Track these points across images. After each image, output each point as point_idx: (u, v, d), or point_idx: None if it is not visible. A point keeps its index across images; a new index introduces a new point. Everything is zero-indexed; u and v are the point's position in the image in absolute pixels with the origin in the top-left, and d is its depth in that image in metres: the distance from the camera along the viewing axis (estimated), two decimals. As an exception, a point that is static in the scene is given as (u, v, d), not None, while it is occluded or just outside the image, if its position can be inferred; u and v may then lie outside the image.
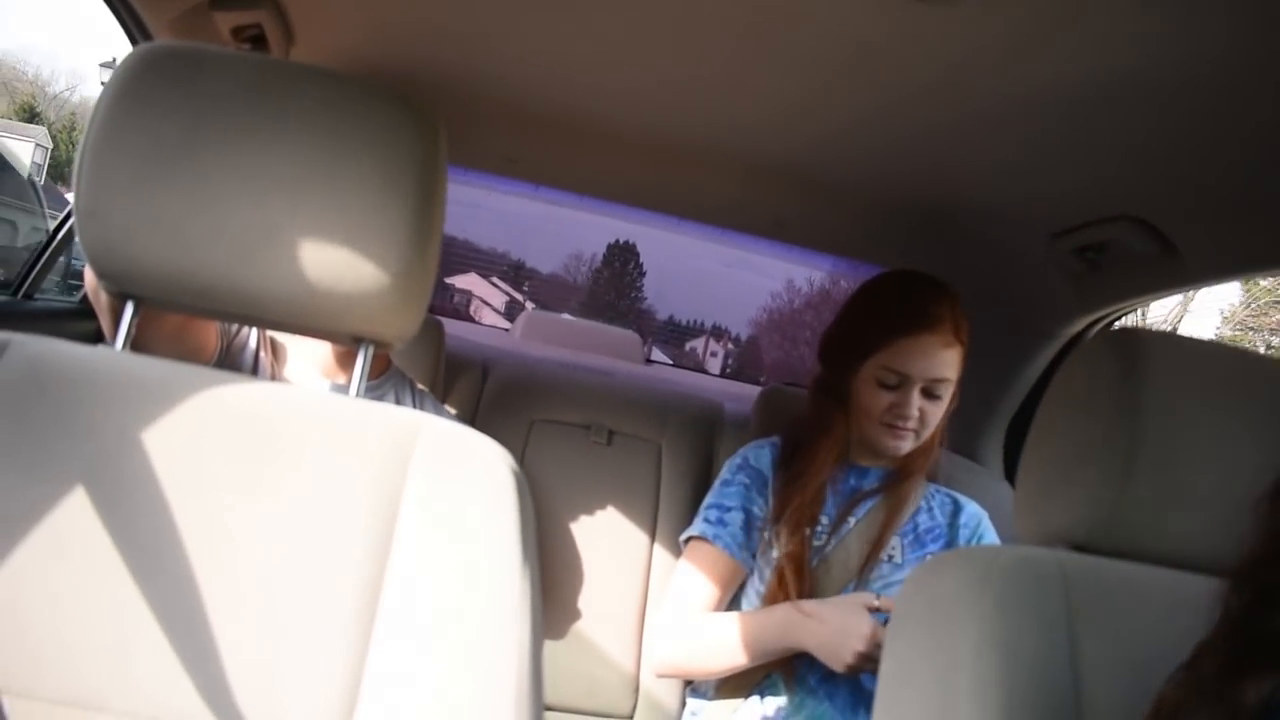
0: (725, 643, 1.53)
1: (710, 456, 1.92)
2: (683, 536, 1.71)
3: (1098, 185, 1.41)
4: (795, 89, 1.34)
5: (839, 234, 2.02)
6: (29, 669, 0.74)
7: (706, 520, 1.65)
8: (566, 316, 3.63)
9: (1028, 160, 1.39)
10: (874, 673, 1.16)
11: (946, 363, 1.58)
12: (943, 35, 1.10)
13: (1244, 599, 0.68)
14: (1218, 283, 1.56)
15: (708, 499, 1.70)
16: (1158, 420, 0.88)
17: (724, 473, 1.73)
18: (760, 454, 1.71)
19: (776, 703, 1.56)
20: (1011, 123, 1.27)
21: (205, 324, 1.37)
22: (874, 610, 1.43)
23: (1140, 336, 0.92)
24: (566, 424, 1.95)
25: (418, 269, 0.88)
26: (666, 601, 1.66)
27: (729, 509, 1.65)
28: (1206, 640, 0.69)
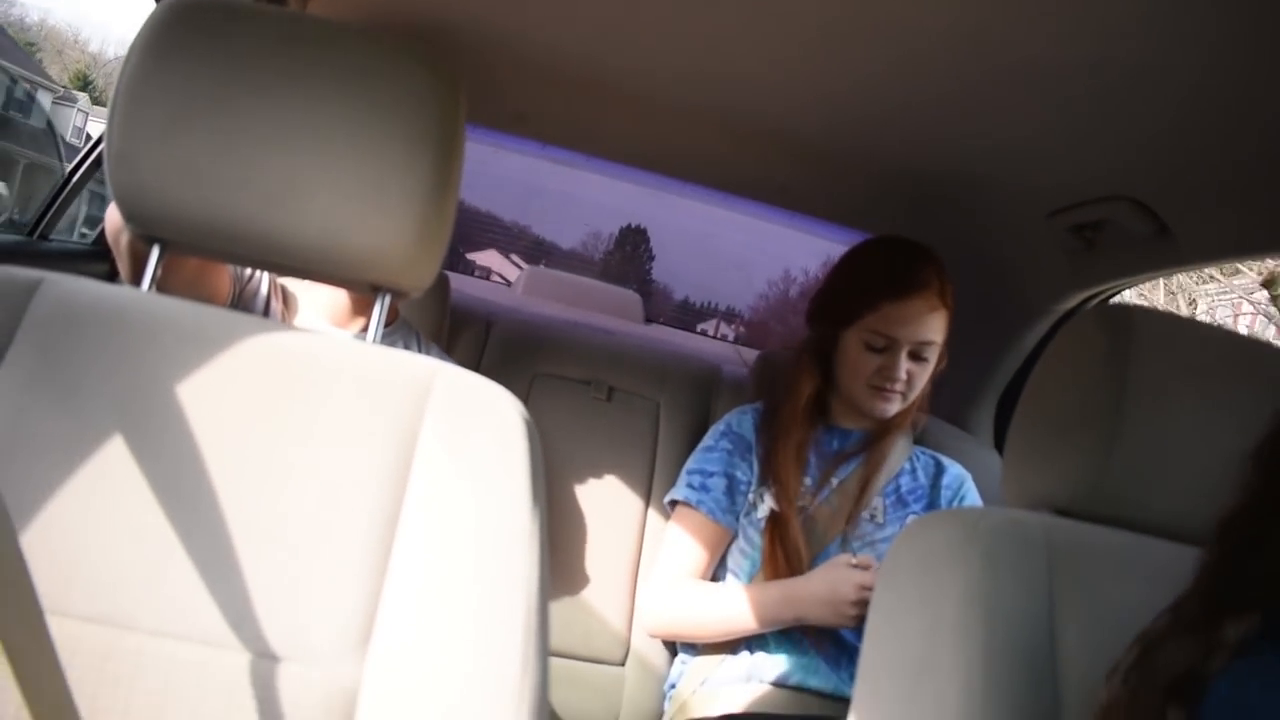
0: (722, 615, 1.60)
1: (707, 416, 1.95)
2: (666, 499, 1.76)
3: (1096, 165, 1.44)
4: (801, 51, 1.36)
5: (840, 202, 2.05)
6: (61, 589, 0.78)
7: (690, 486, 1.71)
8: (567, 274, 3.65)
9: (1028, 137, 1.42)
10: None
11: (933, 326, 1.62)
12: (949, 5, 1.13)
13: (1225, 547, 0.72)
14: (1210, 265, 1.59)
15: (691, 463, 1.76)
16: (1144, 393, 0.92)
17: (707, 438, 1.78)
18: (743, 419, 1.76)
19: (763, 656, 1.62)
20: (1013, 98, 1.30)
21: (219, 271, 1.40)
22: (856, 567, 1.49)
23: (1130, 312, 0.96)
24: (567, 379, 1.98)
25: (436, 221, 0.92)
26: (657, 568, 1.72)
27: (711, 474, 1.71)
28: (1190, 585, 0.73)
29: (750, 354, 2.33)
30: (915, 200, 1.84)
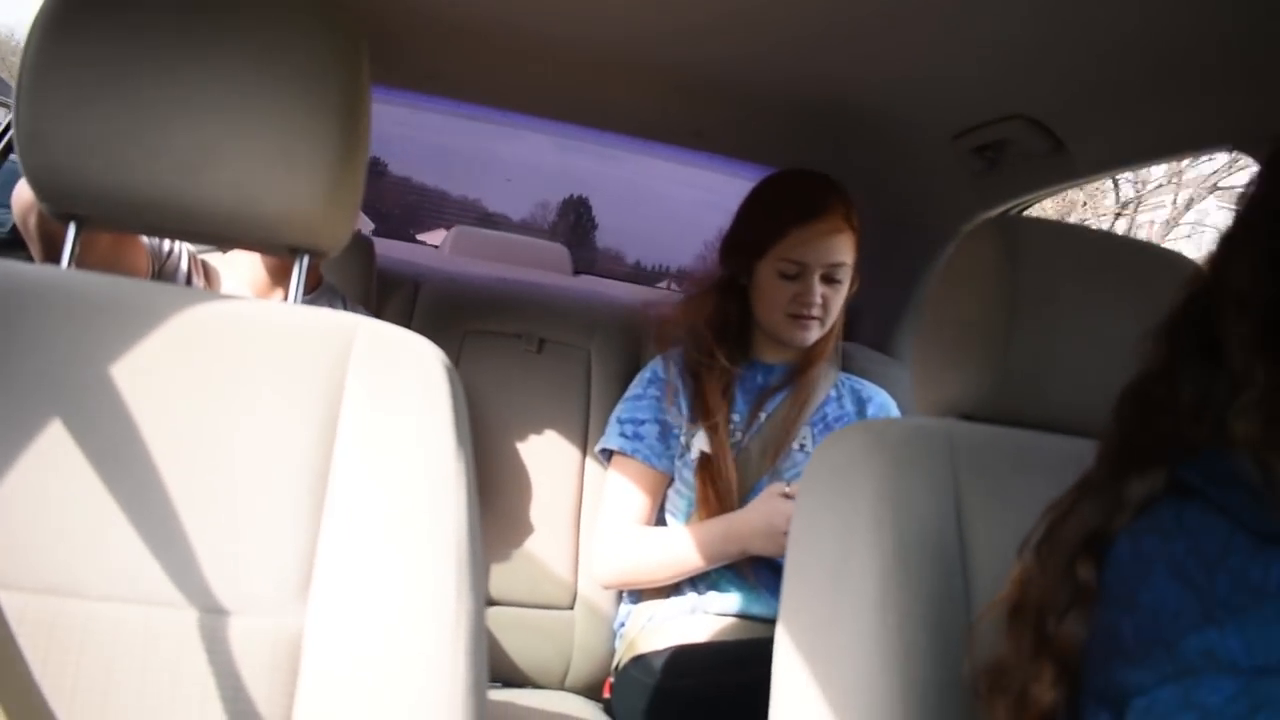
0: (670, 558, 1.65)
1: (638, 361, 1.99)
2: (599, 447, 1.81)
3: (993, 86, 1.48)
4: None
5: (755, 142, 2.08)
6: (5, 563, 0.79)
7: (624, 435, 1.75)
8: (493, 232, 3.63)
9: (927, 61, 1.46)
10: None
11: (841, 247, 1.67)
12: None
13: (1128, 412, 0.76)
14: (1106, 176, 1.65)
15: (620, 411, 1.80)
16: (1035, 298, 0.97)
17: (634, 386, 1.82)
18: (667, 364, 1.80)
19: (706, 589, 1.68)
20: (909, 21, 1.33)
21: (135, 248, 1.40)
22: (788, 496, 1.55)
23: (1018, 223, 1.01)
24: (498, 334, 2.00)
25: (346, 180, 0.94)
26: (601, 518, 1.76)
27: (642, 422, 1.75)
28: (1097, 454, 0.76)
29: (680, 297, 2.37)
30: (826, 133, 1.88)
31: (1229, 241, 0.71)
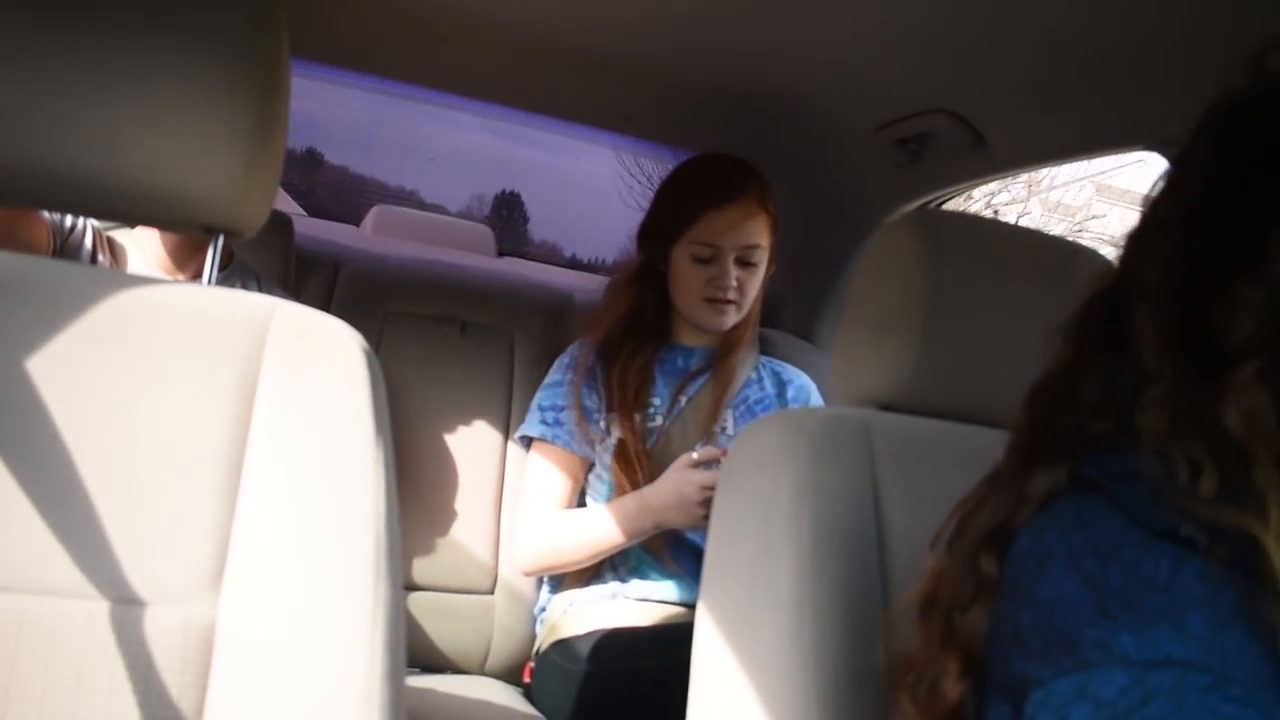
0: (588, 537, 1.64)
1: (561, 344, 1.98)
2: (519, 434, 1.80)
3: (916, 80, 1.50)
4: None
5: (682, 126, 2.08)
6: None
7: (544, 422, 1.74)
8: (416, 211, 3.58)
9: (852, 51, 1.47)
10: None
11: (755, 230, 1.68)
12: None
13: (1034, 408, 0.78)
14: (1025, 171, 1.69)
15: (540, 398, 1.79)
16: (953, 290, 0.99)
17: (553, 373, 1.81)
18: (585, 349, 1.80)
19: (626, 574, 1.68)
20: (835, 10, 1.34)
21: (35, 223, 1.35)
22: (697, 465, 1.56)
23: (938, 216, 1.02)
24: (419, 316, 1.98)
25: (264, 158, 0.91)
26: (522, 506, 1.75)
27: (562, 408, 1.74)
28: (1006, 448, 0.78)
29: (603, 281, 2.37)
30: (752, 120, 1.89)
31: (1138, 239, 0.73)
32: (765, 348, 1.92)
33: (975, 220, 1.05)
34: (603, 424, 1.72)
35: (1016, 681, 0.66)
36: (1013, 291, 1.00)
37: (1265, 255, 0.62)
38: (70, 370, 0.82)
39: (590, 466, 1.75)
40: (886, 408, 1.03)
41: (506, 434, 1.92)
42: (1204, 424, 0.63)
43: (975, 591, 0.72)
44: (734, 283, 1.69)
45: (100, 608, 0.78)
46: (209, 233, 0.97)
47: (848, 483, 0.93)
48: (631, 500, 1.62)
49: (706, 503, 1.51)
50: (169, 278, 1.58)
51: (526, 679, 1.82)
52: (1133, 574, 0.62)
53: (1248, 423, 0.61)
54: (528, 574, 1.80)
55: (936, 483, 0.92)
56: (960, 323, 0.99)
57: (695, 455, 1.58)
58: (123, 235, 1.61)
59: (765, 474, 0.95)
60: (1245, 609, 0.59)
